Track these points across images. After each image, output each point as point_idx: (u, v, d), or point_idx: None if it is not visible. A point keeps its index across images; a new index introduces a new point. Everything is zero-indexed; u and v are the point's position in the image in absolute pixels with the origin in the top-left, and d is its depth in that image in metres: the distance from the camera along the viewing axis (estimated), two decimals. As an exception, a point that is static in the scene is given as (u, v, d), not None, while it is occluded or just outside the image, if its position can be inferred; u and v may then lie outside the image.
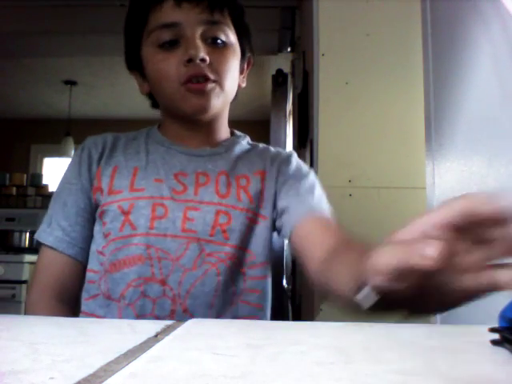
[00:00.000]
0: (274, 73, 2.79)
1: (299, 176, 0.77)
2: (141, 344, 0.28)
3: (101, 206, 0.74)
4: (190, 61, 0.69)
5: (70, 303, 0.75)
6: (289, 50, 2.57)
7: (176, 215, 0.71)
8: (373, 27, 1.52)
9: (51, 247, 0.74)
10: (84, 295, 0.73)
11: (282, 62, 2.85)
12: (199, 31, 0.71)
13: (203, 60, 0.69)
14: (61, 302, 0.74)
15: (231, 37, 0.75)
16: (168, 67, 0.71)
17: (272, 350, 0.27)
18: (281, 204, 0.75)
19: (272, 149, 0.84)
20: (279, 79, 2.74)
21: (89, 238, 0.75)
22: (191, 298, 0.68)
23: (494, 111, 0.58)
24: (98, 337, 0.30)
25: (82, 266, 0.75)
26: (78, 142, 4.16)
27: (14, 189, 3.98)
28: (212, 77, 0.71)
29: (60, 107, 4.57)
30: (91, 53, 2.98)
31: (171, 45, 0.71)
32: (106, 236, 0.72)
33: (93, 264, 0.73)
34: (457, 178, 0.70)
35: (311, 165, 1.55)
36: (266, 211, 0.75)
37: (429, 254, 0.31)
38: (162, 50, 0.72)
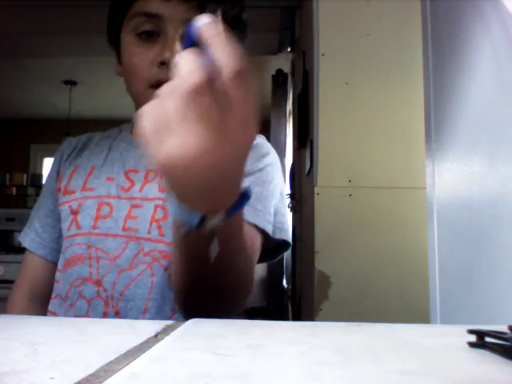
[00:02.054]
0: (274, 73, 2.79)
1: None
2: (141, 344, 0.28)
3: (59, 206, 0.75)
4: (164, 63, 0.64)
5: (41, 302, 0.74)
6: (289, 49, 2.57)
7: (120, 214, 0.68)
8: (373, 27, 1.52)
9: (28, 248, 0.77)
10: (52, 294, 0.73)
11: (282, 62, 2.85)
12: (181, 31, 0.65)
13: None
14: (31, 302, 0.75)
15: None
16: (140, 64, 0.66)
17: (272, 350, 0.27)
18: None
19: None
20: (279, 79, 2.74)
21: (60, 238, 0.75)
22: (123, 301, 0.64)
23: (494, 111, 0.58)
24: (98, 337, 0.30)
25: (54, 266, 0.75)
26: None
27: (14, 189, 3.99)
28: None
29: (60, 107, 4.57)
30: (91, 53, 2.98)
31: (150, 36, 0.66)
32: (62, 237, 0.73)
33: (59, 264, 0.73)
34: (457, 178, 0.70)
35: (311, 165, 1.55)
36: None
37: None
38: (139, 39, 0.67)
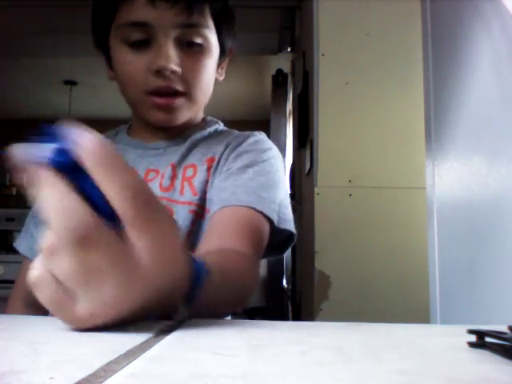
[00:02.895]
0: (274, 73, 2.79)
1: (242, 164, 0.67)
2: (141, 344, 0.28)
3: None
4: (160, 72, 0.64)
5: (40, 307, 0.75)
6: (289, 50, 2.57)
7: None
8: (373, 27, 1.52)
9: (23, 254, 0.78)
10: None
11: (282, 62, 2.85)
12: (173, 36, 0.64)
13: (174, 72, 0.64)
14: (31, 306, 0.73)
15: (210, 38, 0.68)
16: (135, 72, 0.66)
17: (272, 350, 0.27)
18: (209, 193, 0.67)
19: (235, 133, 0.76)
20: (279, 79, 2.75)
21: None
22: None
23: (494, 111, 0.58)
24: (98, 337, 0.30)
25: None
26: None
27: (14, 189, 3.98)
28: (182, 89, 0.66)
29: (60, 107, 4.57)
30: (91, 53, 2.98)
31: (141, 43, 0.65)
32: None
33: None
34: (457, 178, 0.70)
35: (311, 165, 1.55)
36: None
37: None
38: (130, 48, 0.66)
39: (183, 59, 0.65)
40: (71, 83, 4.19)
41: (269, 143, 0.74)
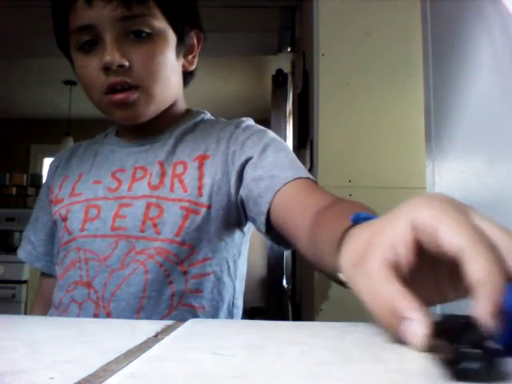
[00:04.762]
0: (274, 73, 2.79)
1: (257, 150, 0.67)
2: (141, 344, 0.28)
3: (53, 217, 0.75)
4: (108, 68, 0.64)
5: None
6: (289, 49, 2.57)
7: (108, 214, 0.67)
8: (373, 27, 1.52)
9: (24, 261, 0.81)
10: None
11: (282, 62, 2.85)
12: (115, 30, 0.64)
13: (121, 66, 0.64)
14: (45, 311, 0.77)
15: (158, 25, 0.67)
16: (89, 75, 0.67)
17: (272, 350, 0.27)
18: (245, 192, 0.66)
19: (221, 124, 0.74)
20: (279, 79, 2.74)
21: (54, 251, 0.77)
22: (115, 301, 0.63)
23: (494, 111, 0.58)
24: (98, 337, 0.30)
25: (51, 278, 0.77)
26: (77, 142, 4.18)
27: (14, 189, 3.98)
28: (134, 83, 0.65)
29: (60, 107, 4.57)
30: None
31: (91, 45, 0.66)
32: (60, 246, 0.73)
33: (57, 274, 0.74)
34: (457, 178, 0.70)
35: (311, 165, 1.55)
36: (207, 199, 0.67)
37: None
38: (82, 52, 0.67)
39: (132, 52, 0.65)
40: (71, 83, 4.18)
41: (259, 126, 0.73)
